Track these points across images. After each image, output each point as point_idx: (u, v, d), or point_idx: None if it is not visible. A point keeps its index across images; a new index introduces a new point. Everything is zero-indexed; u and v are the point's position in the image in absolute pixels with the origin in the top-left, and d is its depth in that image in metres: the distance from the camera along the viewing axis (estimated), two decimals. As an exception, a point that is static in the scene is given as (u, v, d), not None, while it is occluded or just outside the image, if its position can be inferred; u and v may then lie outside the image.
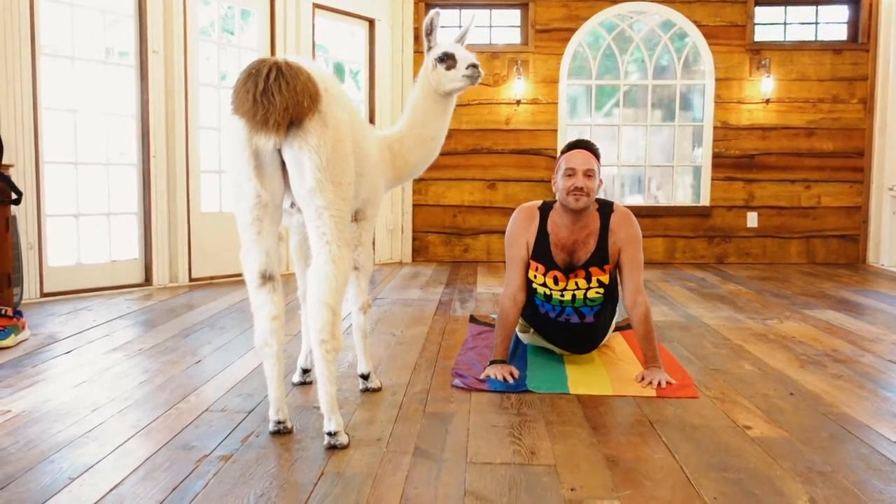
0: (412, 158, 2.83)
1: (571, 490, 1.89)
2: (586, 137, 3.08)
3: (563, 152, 3.03)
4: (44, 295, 4.66)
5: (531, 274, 3.06)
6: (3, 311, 3.48)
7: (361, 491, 1.87)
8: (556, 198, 3.04)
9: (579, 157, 2.93)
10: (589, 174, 2.90)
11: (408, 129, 2.83)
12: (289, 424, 2.30)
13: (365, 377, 2.76)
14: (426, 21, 2.79)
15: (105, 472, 1.99)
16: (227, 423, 2.38)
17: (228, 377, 2.93)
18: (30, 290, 4.53)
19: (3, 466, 2.01)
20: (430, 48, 2.81)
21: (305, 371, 2.82)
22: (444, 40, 2.85)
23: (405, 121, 2.85)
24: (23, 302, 4.31)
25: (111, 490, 1.87)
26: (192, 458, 2.08)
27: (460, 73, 2.76)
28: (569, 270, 3.02)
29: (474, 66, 2.77)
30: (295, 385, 2.81)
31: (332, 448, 2.15)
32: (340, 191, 2.13)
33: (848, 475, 2.00)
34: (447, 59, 2.77)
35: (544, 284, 3.05)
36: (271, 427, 2.28)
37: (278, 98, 1.98)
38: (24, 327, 3.55)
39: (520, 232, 3.09)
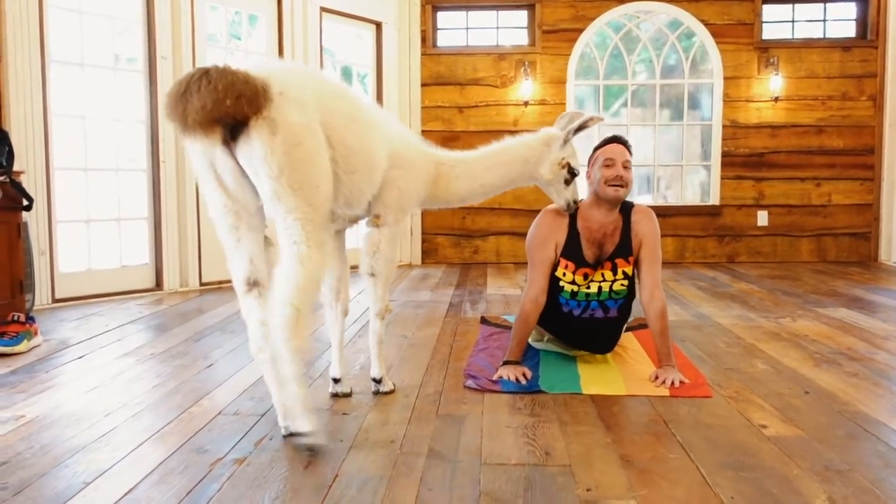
0: (453, 188, 2.78)
1: (587, 490, 1.88)
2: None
3: (597, 147, 3.08)
4: (55, 301, 4.67)
5: (560, 272, 3.06)
6: (15, 317, 3.50)
7: (376, 493, 1.87)
8: (589, 191, 3.09)
9: (618, 149, 3.00)
10: (626, 166, 2.97)
11: (471, 162, 2.80)
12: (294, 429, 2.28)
13: (377, 381, 2.74)
14: (586, 121, 2.75)
15: (119, 476, 1.99)
16: (239, 426, 2.38)
17: (240, 381, 2.93)
18: (41, 295, 4.55)
19: (17, 471, 2.01)
20: (566, 141, 2.81)
21: (336, 381, 2.75)
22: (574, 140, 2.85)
23: (477, 154, 2.82)
24: (34, 308, 4.33)
25: (125, 494, 1.87)
26: (205, 462, 2.08)
27: (566, 195, 2.91)
28: (597, 264, 3.04)
29: (577, 203, 2.99)
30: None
31: (306, 450, 2.11)
32: (304, 195, 2.05)
33: (866, 473, 1.98)
34: (574, 177, 2.88)
35: (573, 282, 3.05)
36: (283, 431, 2.28)
37: (196, 97, 1.91)
38: (36, 333, 3.56)
39: (549, 233, 3.07)
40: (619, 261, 3.04)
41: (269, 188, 2.03)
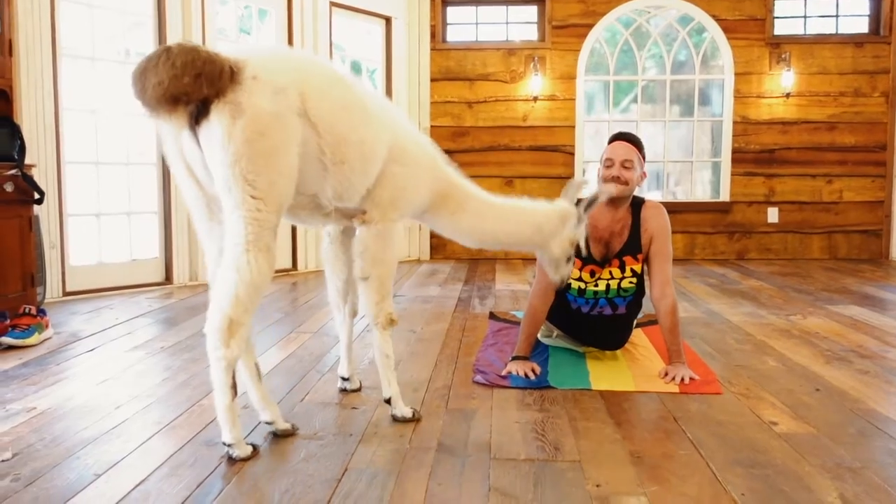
0: (459, 219, 2.57)
1: (597, 486, 1.88)
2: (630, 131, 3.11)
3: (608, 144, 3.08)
4: (66, 294, 4.69)
5: None
6: (26, 310, 3.51)
7: (385, 487, 1.87)
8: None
9: (619, 149, 2.98)
10: (626, 165, 2.95)
11: (486, 204, 2.59)
12: (281, 425, 2.24)
13: (388, 402, 2.44)
14: (594, 199, 2.69)
15: (130, 468, 2.00)
16: (249, 419, 2.38)
17: (250, 374, 2.93)
18: (52, 289, 4.57)
19: (29, 462, 2.02)
20: (581, 221, 2.69)
21: (344, 379, 2.74)
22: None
23: (495, 200, 2.62)
24: (45, 301, 4.35)
25: (136, 486, 1.88)
26: (215, 455, 2.08)
27: (563, 271, 2.74)
28: (604, 262, 3.03)
29: (568, 280, 2.85)
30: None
31: (231, 459, 2.04)
32: (256, 190, 1.93)
33: (878, 471, 1.97)
34: (577, 255, 2.80)
35: (580, 279, 3.05)
36: (269, 428, 2.25)
37: (152, 73, 1.86)
38: (47, 326, 3.57)
39: None
40: (627, 258, 3.03)
41: (221, 176, 1.93)
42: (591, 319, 3.12)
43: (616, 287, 3.05)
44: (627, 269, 3.03)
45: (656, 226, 3.02)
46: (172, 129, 1.97)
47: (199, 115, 1.92)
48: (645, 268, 3.08)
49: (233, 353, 1.98)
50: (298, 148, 2.03)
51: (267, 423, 2.26)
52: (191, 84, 1.84)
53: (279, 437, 2.24)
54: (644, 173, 3.04)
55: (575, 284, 3.07)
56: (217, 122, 1.90)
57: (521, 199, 2.68)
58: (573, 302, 3.11)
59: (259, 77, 1.94)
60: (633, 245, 3.03)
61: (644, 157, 3.04)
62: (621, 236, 3.03)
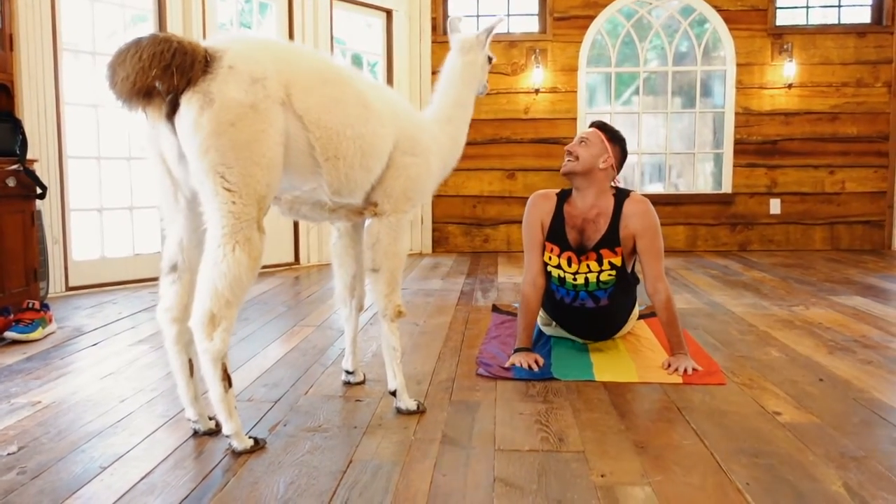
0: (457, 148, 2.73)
1: (601, 476, 1.88)
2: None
3: None
4: (69, 289, 4.70)
5: (546, 256, 3.06)
6: (30, 305, 3.52)
7: (390, 478, 1.87)
8: None
9: (584, 131, 3.07)
10: (583, 141, 3.00)
11: (456, 136, 2.74)
12: (200, 427, 2.20)
13: (393, 394, 2.44)
14: (492, 28, 2.74)
15: (135, 461, 2.00)
16: (254, 412, 2.39)
17: (254, 367, 2.94)
18: (55, 284, 4.58)
19: (35, 456, 2.03)
20: (486, 43, 2.75)
21: (349, 373, 2.73)
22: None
23: (453, 122, 2.73)
24: (49, 296, 4.36)
25: (142, 479, 1.88)
26: (220, 447, 2.09)
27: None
28: (581, 252, 3.02)
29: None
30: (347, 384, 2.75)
31: (233, 453, 2.04)
32: (228, 182, 1.89)
33: (882, 460, 1.97)
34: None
35: (559, 266, 3.05)
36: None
37: (120, 68, 1.83)
38: (50, 320, 3.58)
39: (535, 214, 3.09)
40: (604, 251, 3.01)
41: (194, 167, 1.90)
42: (574, 310, 3.13)
43: (595, 280, 3.04)
44: (605, 262, 3.01)
45: (641, 224, 2.98)
46: (150, 118, 1.95)
47: (174, 105, 1.88)
48: (634, 259, 3.09)
49: (216, 346, 1.96)
50: (281, 138, 1.98)
51: (191, 420, 2.20)
52: (159, 76, 1.82)
53: (287, 428, 2.24)
54: (612, 165, 3.00)
55: (555, 273, 3.07)
56: (186, 111, 1.86)
57: (447, 95, 2.73)
58: (556, 292, 3.12)
59: (236, 66, 1.89)
60: (611, 238, 2.99)
61: (616, 147, 3.02)
62: (597, 225, 3.01)
